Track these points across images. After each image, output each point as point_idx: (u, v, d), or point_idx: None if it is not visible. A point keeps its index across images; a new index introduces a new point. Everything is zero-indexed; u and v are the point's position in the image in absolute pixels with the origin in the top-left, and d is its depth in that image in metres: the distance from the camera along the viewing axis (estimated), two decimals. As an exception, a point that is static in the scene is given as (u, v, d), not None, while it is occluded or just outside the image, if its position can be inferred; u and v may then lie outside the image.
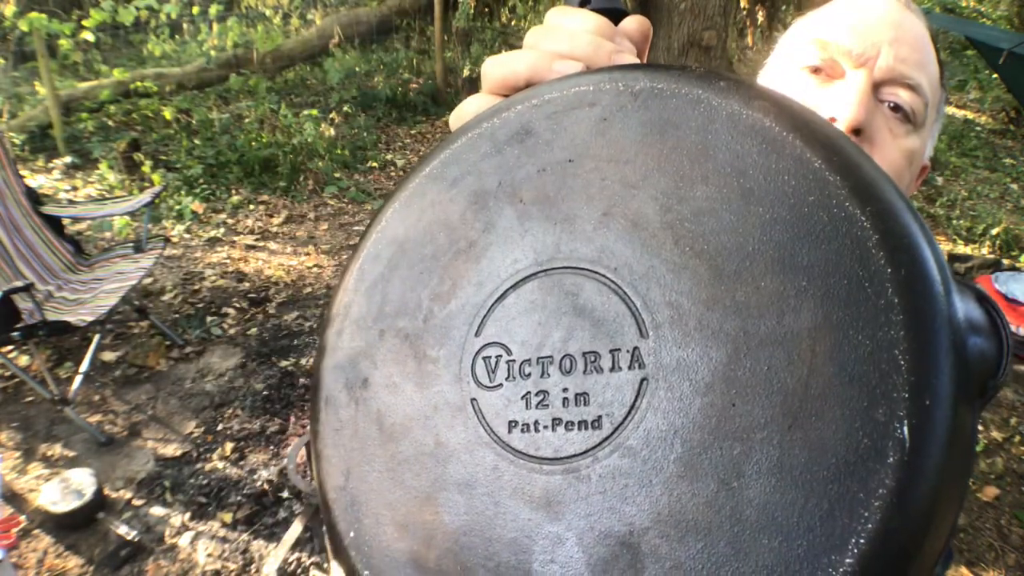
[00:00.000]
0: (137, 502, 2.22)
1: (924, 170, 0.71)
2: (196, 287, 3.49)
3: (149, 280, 3.45)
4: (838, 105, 0.61)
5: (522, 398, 0.30)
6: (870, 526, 0.22)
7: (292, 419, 2.57)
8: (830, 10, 0.68)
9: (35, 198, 2.96)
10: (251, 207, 4.44)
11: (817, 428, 0.24)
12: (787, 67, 0.69)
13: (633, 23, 0.41)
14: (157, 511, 2.19)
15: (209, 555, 2.05)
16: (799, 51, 0.68)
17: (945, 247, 4.44)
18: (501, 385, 0.30)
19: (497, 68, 0.39)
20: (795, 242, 0.26)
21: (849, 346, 0.24)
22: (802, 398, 0.24)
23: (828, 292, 0.25)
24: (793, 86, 0.67)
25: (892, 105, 0.62)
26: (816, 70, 0.66)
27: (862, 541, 0.22)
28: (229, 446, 2.46)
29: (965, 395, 0.25)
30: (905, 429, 0.23)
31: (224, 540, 2.11)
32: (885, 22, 0.64)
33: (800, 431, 0.24)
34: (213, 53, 6.28)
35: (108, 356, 2.88)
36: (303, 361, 2.94)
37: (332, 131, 5.35)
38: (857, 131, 0.60)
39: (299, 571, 2.03)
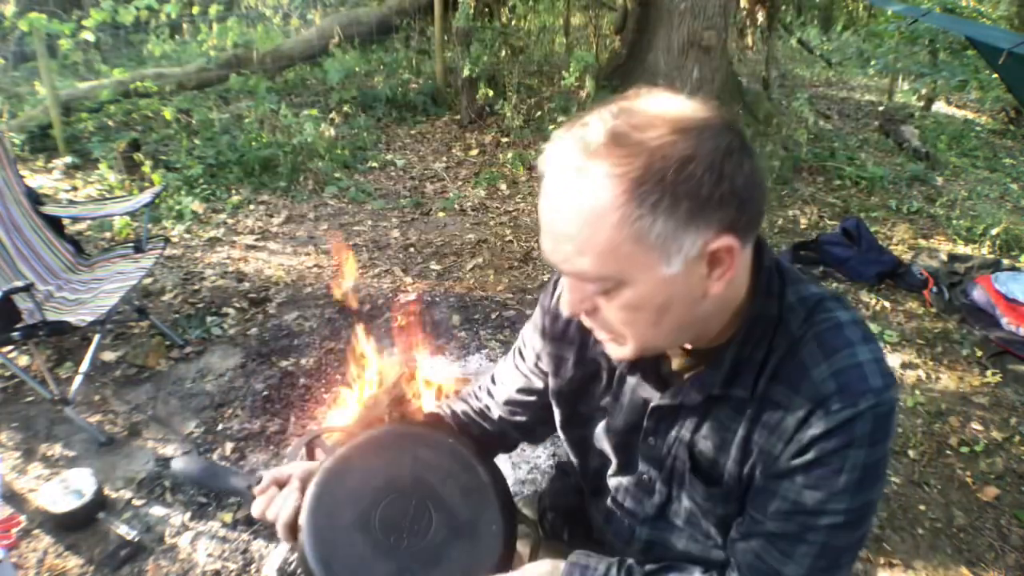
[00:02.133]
0: (137, 502, 2.22)
1: (725, 253, 0.65)
2: (196, 287, 3.49)
3: (149, 280, 3.45)
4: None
5: None
6: None
7: (292, 419, 2.57)
8: None
9: (35, 198, 2.96)
10: (251, 207, 4.44)
11: None
12: None
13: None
14: (157, 511, 2.19)
15: (209, 555, 2.05)
16: None
17: (945, 247, 4.44)
18: None
19: None
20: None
21: None
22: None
23: None
24: None
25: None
26: None
27: None
28: (229, 446, 2.46)
29: None
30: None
31: (224, 540, 2.10)
32: (544, 220, 0.68)
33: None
34: (213, 53, 6.28)
35: (108, 356, 2.88)
36: (303, 361, 2.94)
37: (332, 131, 5.35)
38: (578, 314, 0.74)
39: (299, 571, 2.03)
